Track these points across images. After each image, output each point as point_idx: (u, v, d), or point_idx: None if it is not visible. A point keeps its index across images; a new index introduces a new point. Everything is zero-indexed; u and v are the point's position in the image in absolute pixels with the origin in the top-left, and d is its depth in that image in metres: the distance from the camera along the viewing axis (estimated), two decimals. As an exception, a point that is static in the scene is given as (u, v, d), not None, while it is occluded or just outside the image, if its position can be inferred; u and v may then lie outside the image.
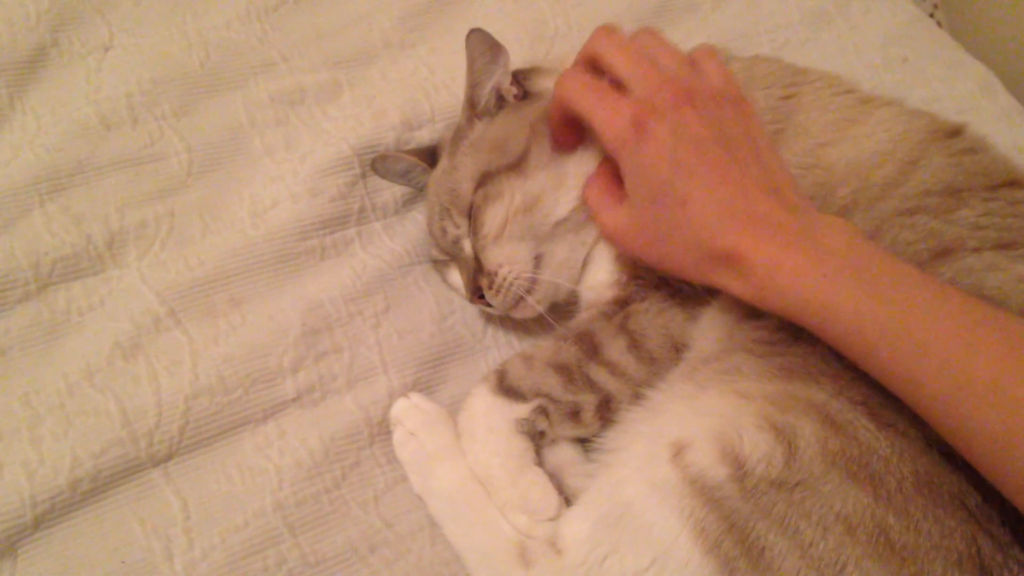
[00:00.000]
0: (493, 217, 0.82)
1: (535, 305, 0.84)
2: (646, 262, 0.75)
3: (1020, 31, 1.44)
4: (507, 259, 0.82)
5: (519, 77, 0.89)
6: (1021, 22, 1.45)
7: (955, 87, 1.18)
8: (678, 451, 0.67)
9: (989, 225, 0.74)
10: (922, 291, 0.61)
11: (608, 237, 0.79)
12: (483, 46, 0.85)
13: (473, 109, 0.88)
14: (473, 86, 0.87)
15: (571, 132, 0.82)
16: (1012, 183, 0.78)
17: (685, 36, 1.09)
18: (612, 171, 0.77)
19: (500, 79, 0.87)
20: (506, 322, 0.91)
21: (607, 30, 0.79)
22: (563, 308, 0.88)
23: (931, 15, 1.36)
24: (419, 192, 0.95)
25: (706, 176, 0.69)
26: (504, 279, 0.82)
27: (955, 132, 0.83)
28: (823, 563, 0.61)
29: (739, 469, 0.65)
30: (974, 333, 0.58)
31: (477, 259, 0.84)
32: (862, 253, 0.65)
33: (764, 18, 1.20)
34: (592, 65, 0.79)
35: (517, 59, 0.92)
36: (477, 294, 0.84)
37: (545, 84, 0.88)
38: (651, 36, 0.80)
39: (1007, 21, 1.47)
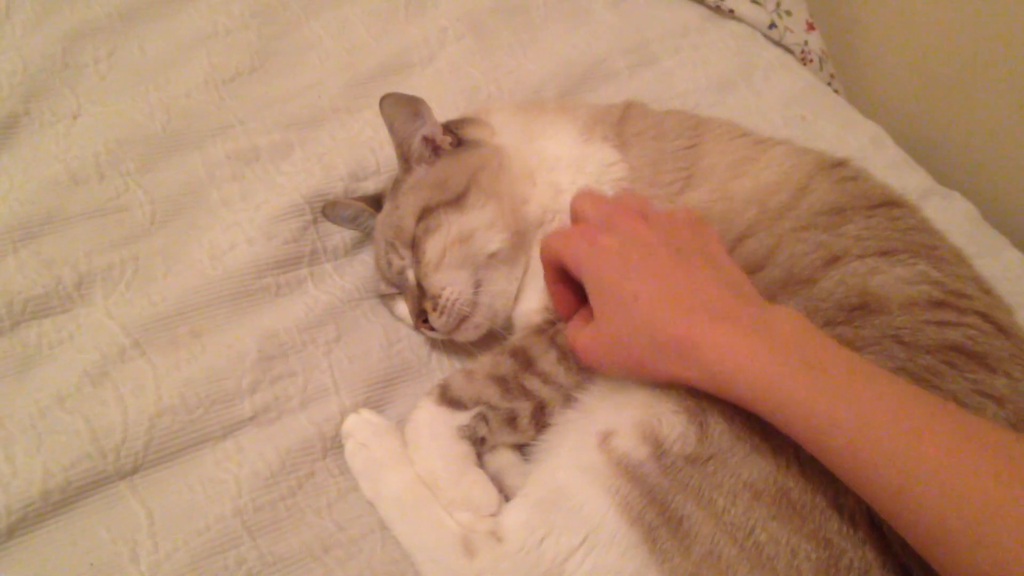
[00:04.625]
0: (433, 247, 0.90)
1: (476, 326, 0.92)
2: (610, 372, 0.77)
3: (906, 97, 1.59)
4: (448, 282, 0.90)
5: (452, 127, 0.98)
6: (908, 89, 1.61)
7: (849, 142, 1.31)
8: (604, 438, 0.74)
9: (871, 237, 0.84)
10: (870, 382, 0.61)
11: (578, 357, 0.78)
12: (398, 106, 0.94)
13: (407, 162, 0.96)
14: (400, 143, 0.96)
15: (567, 293, 0.81)
16: (889, 203, 0.89)
17: (604, 101, 1.18)
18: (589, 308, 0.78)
19: (428, 129, 0.96)
20: (449, 347, 0.97)
21: (585, 191, 0.84)
22: (499, 335, 0.95)
23: (828, 83, 1.50)
24: (367, 236, 1.03)
25: (656, 272, 0.71)
26: (447, 300, 0.89)
27: (839, 164, 0.94)
28: (735, 527, 0.67)
29: (658, 448, 0.71)
30: (921, 421, 0.58)
31: (420, 286, 0.92)
32: (811, 342, 0.65)
33: (676, 84, 1.33)
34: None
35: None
36: (422, 318, 0.91)
37: (477, 133, 0.99)
38: (628, 194, 0.87)
39: (896, 88, 1.63)
